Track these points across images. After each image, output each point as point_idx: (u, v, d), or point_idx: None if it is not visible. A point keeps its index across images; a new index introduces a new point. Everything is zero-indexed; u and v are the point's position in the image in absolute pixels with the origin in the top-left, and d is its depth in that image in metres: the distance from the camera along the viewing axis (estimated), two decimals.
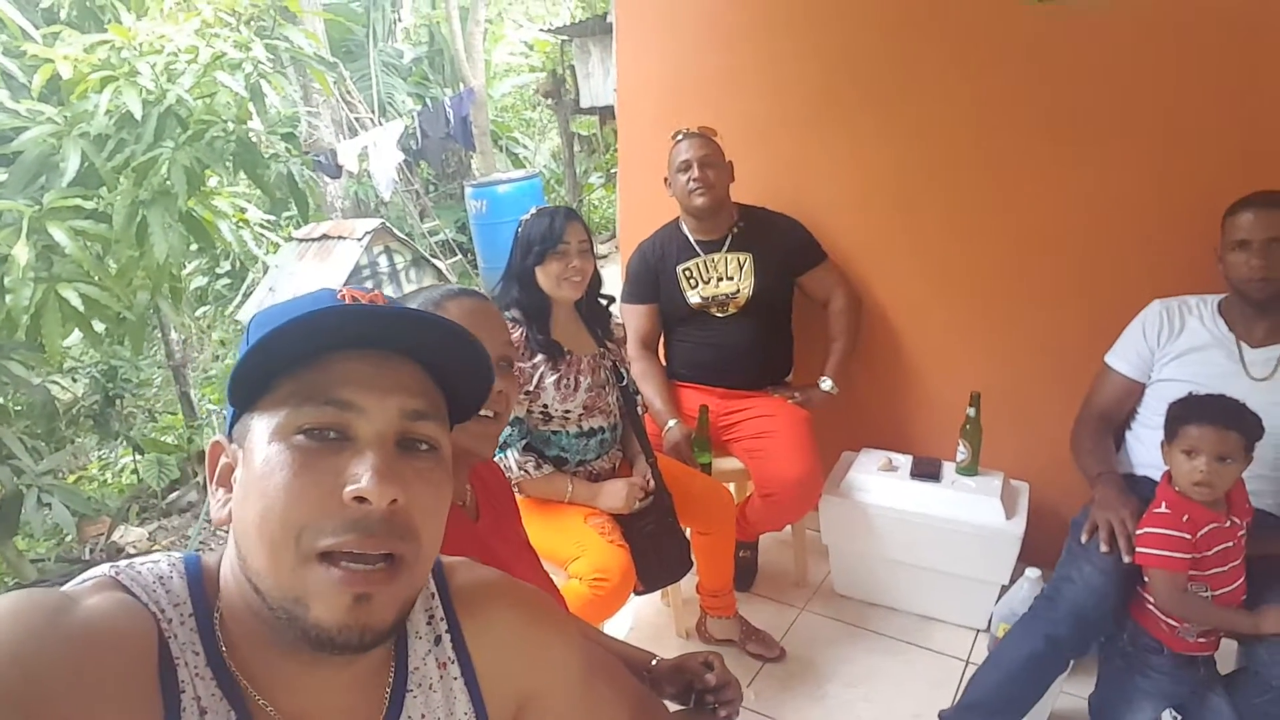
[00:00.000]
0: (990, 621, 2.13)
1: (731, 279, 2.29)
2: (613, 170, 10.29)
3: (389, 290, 5.03)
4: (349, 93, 7.66)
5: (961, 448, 2.23)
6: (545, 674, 0.77)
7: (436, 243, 7.51)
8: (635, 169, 2.72)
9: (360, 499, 0.58)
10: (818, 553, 2.45)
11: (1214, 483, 1.47)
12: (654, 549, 1.87)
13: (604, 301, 1.98)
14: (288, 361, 0.62)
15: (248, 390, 0.63)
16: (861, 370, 2.47)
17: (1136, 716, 1.55)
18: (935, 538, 2.16)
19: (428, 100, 8.53)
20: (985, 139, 2.19)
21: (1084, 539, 1.65)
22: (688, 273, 2.31)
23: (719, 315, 2.31)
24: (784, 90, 2.41)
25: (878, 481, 2.25)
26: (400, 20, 9.63)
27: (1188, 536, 1.49)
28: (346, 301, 0.63)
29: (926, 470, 2.26)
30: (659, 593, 2.17)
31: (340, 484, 0.59)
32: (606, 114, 7.66)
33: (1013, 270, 2.25)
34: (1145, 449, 1.84)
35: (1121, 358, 1.91)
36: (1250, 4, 1.86)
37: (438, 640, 0.73)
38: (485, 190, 6.88)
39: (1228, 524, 1.51)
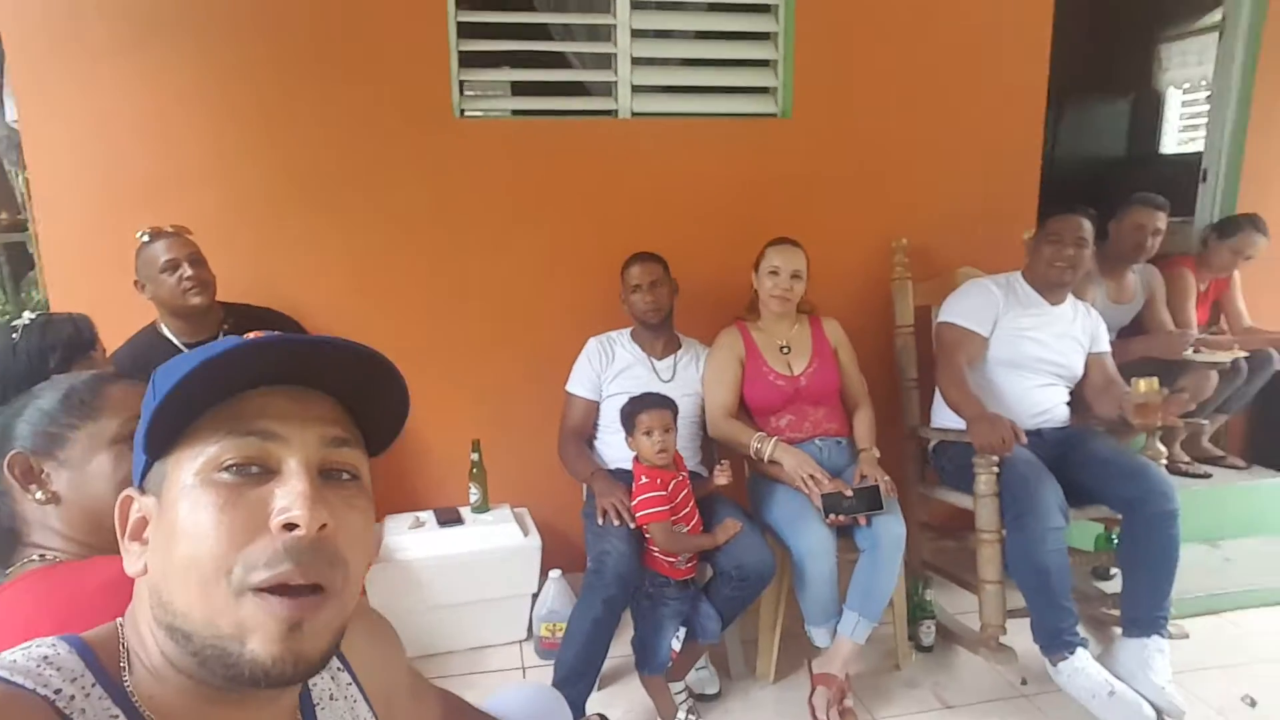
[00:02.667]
0: (531, 627, 2.49)
1: None
2: None
3: None
4: None
5: (472, 490, 2.56)
6: (393, 673, 0.85)
7: None
8: (70, 275, 2.39)
9: (290, 525, 0.59)
10: None
11: (667, 448, 2.07)
12: None
13: None
14: (203, 404, 0.61)
15: (162, 437, 0.61)
16: None
17: (666, 638, 2.07)
18: (473, 570, 2.43)
19: None
20: (433, 229, 2.61)
21: (600, 522, 2.13)
22: None
23: None
24: (239, 185, 2.46)
25: (412, 539, 2.44)
26: None
27: (665, 494, 2.07)
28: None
29: (449, 517, 2.53)
30: None
31: (266, 515, 0.60)
32: None
33: (480, 334, 2.69)
34: (611, 449, 2.42)
35: (578, 385, 2.48)
36: (606, 136, 2.65)
37: None
38: None
39: (681, 476, 2.13)
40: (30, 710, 0.54)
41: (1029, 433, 2.28)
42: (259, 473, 0.61)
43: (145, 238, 2.14)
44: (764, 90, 2.82)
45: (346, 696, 0.77)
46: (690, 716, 2.10)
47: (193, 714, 0.62)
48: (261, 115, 2.45)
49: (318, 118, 2.48)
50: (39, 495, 0.98)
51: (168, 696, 0.61)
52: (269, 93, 2.44)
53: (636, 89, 2.71)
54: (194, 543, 0.59)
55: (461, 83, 2.59)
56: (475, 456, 2.53)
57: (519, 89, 2.71)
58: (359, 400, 0.68)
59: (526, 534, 2.52)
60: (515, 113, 2.74)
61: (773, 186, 2.80)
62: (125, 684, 0.60)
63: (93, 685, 0.59)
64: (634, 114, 2.71)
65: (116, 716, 0.58)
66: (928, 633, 2.47)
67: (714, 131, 2.76)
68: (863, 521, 2.17)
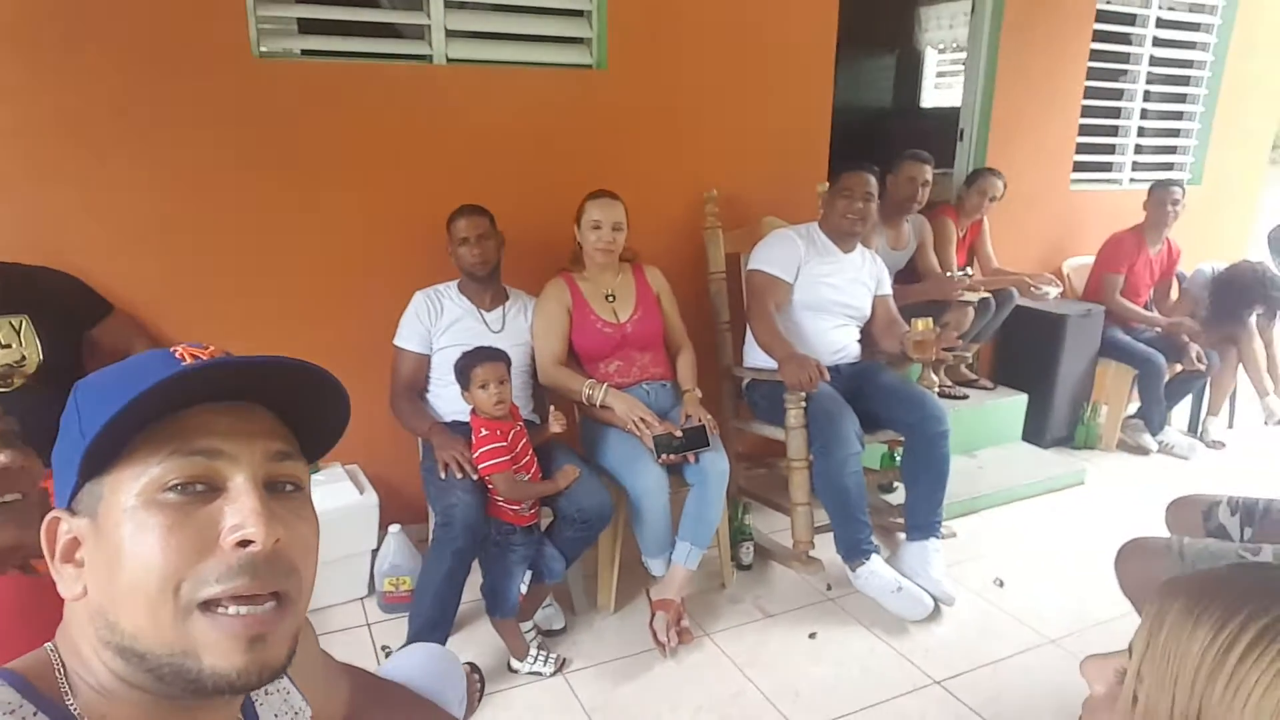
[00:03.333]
0: (373, 582, 2.47)
1: (9, 347, 1.98)
2: None
3: None
4: None
5: None
6: (307, 656, 0.85)
7: None
8: None
9: (245, 543, 0.59)
10: None
11: (504, 399, 2.11)
12: None
13: None
14: (138, 426, 0.59)
15: (97, 459, 0.58)
16: None
17: (514, 583, 2.15)
18: None
19: None
20: (239, 182, 2.42)
21: (443, 476, 2.14)
22: None
23: (5, 390, 1.97)
24: (15, 137, 2.14)
25: None
26: None
27: (505, 444, 2.11)
28: (185, 359, 0.62)
29: None
30: None
31: (216, 534, 0.59)
32: None
33: (297, 291, 2.56)
34: (444, 402, 2.42)
35: (407, 339, 2.44)
36: (420, 83, 2.56)
37: None
38: None
39: (518, 427, 2.19)
40: None
41: (829, 369, 2.55)
42: (204, 491, 0.61)
43: None
44: (579, 41, 2.84)
45: (280, 689, 0.79)
46: (541, 652, 2.20)
47: None
48: (32, 46, 2.13)
49: (95, 50, 2.19)
50: None
51: (121, 712, 0.61)
52: (44, 20, 2.12)
53: (451, 34, 2.63)
54: (140, 565, 0.58)
55: (259, 18, 2.39)
56: None
57: (325, 28, 2.53)
58: (296, 410, 0.68)
59: (362, 491, 2.47)
60: (319, 53, 2.57)
61: (591, 137, 2.85)
62: (70, 706, 0.59)
63: (34, 714, 0.57)
64: (449, 60, 2.64)
65: None
66: (747, 553, 2.73)
67: (532, 81, 2.75)
68: (692, 459, 2.34)
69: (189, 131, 2.33)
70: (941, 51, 5.95)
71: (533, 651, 2.19)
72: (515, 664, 2.18)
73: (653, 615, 2.32)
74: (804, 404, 2.50)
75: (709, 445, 2.35)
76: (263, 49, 2.41)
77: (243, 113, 2.38)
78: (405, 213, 2.63)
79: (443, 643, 2.04)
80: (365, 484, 2.52)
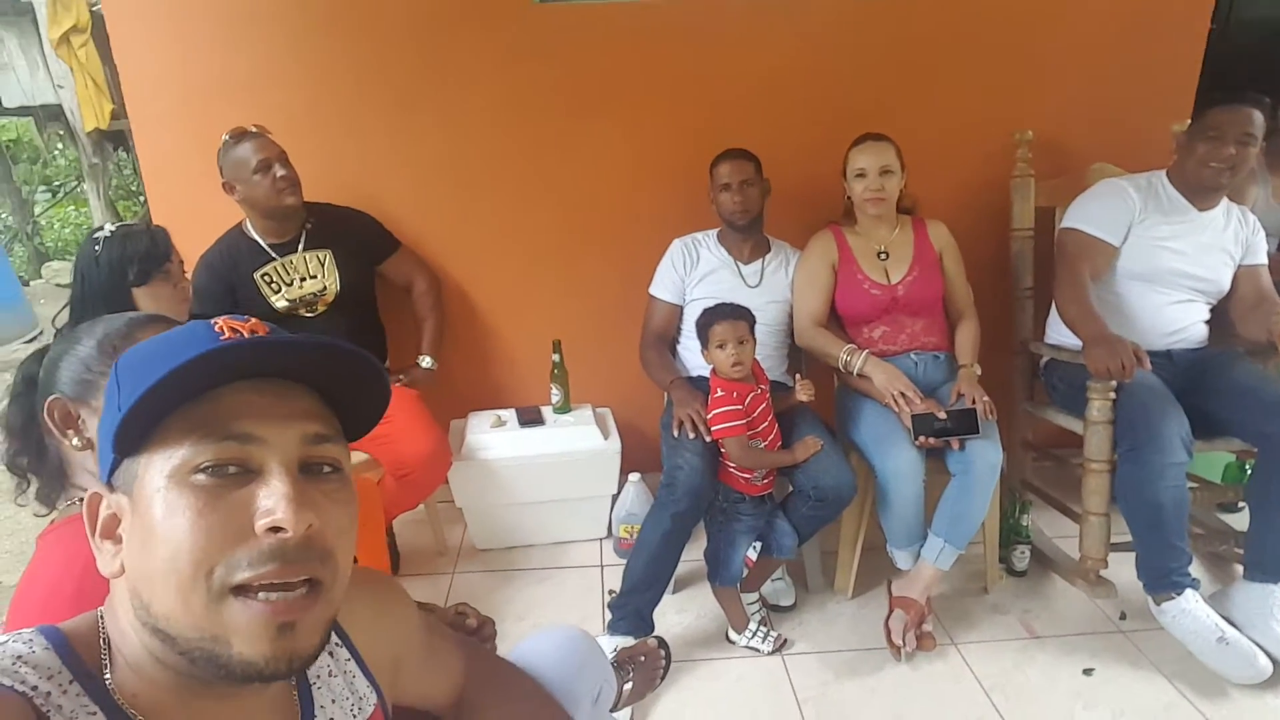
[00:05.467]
0: (610, 526, 2.52)
1: (315, 277, 2.26)
2: (57, 184, 8.62)
3: None
4: None
5: (554, 390, 2.55)
6: (402, 636, 0.85)
7: None
8: (166, 179, 2.46)
9: (276, 529, 0.58)
10: (448, 520, 2.60)
11: (743, 360, 1.97)
12: None
13: None
14: (176, 402, 0.59)
15: (133, 435, 0.58)
16: (453, 342, 2.64)
17: (738, 552, 2.04)
18: (552, 471, 2.46)
19: None
20: (514, 124, 2.50)
21: (675, 434, 2.08)
22: (267, 278, 2.22)
23: (309, 315, 2.27)
24: (317, 85, 2.42)
25: (494, 438, 2.47)
26: None
27: (741, 408, 1.98)
28: (225, 332, 0.61)
29: (531, 417, 2.54)
30: None
31: (250, 518, 0.58)
32: (45, 115, 6.36)
33: (562, 233, 2.62)
34: (693, 355, 2.33)
35: (661, 288, 2.39)
36: (693, 19, 2.43)
37: None
38: None
39: (759, 390, 2.04)
40: (7, 707, 0.54)
41: (1158, 355, 2.06)
42: (238, 473, 0.60)
43: (229, 139, 2.14)
44: None
45: (345, 672, 0.76)
46: (762, 628, 2.09)
47: (180, 710, 0.61)
48: (336, 12, 2.36)
49: (393, 11, 2.37)
50: (75, 441, 0.99)
51: (153, 694, 0.60)
52: None
53: None
54: (171, 547, 0.57)
55: None
56: (556, 358, 2.51)
57: None
58: (338, 388, 0.66)
59: (607, 437, 2.50)
60: None
61: (876, 74, 2.53)
62: (106, 680, 0.60)
63: (70, 682, 0.58)
64: None
65: (95, 714, 0.57)
66: (1021, 557, 2.35)
67: (812, 9, 2.48)
68: (955, 445, 2.04)
69: (472, 79, 2.45)
70: None
71: (752, 625, 2.08)
72: (733, 635, 2.09)
73: (890, 611, 2.09)
74: (1113, 395, 2.04)
75: (979, 432, 2.02)
76: None
77: (520, 58, 2.44)
78: (671, 156, 2.55)
79: (654, 604, 2.02)
80: (611, 429, 2.55)
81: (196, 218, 2.30)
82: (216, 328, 0.62)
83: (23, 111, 6.44)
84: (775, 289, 2.33)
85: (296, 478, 0.61)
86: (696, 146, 2.41)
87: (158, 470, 0.59)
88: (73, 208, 8.31)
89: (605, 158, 2.55)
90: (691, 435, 2.03)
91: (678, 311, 2.38)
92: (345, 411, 0.68)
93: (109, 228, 1.65)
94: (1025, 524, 2.36)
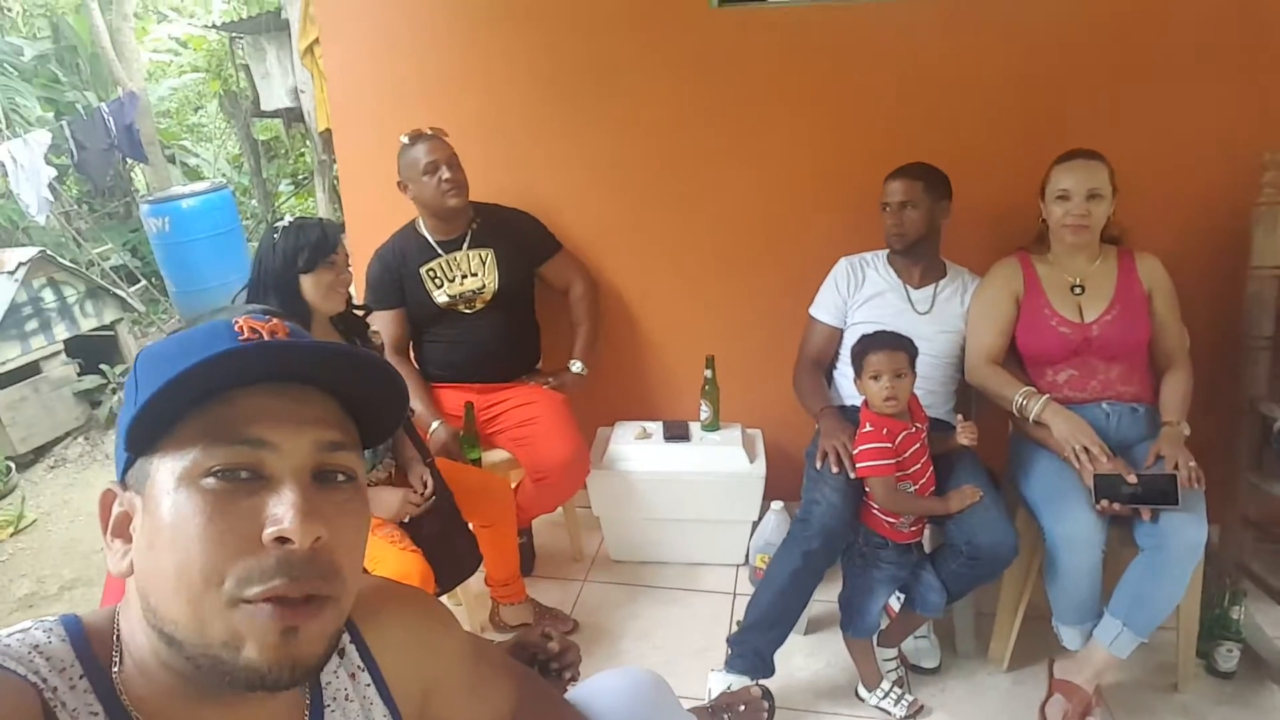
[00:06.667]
0: (748, 555, 2.41)
1: (475, 275, 2.33)
2: (301, 177, 9.64)
3: (62, 330, 4.33)
4: None
5: (704, 407, 2.47)
6: (440, 663, 0.81)
7: (110, 268, 6.48)
8: (358, 175, 2.65)
9: (283, 539, 0.57)
10: (587, 527, 2.60)
11: (898, 395, 1.80)
12: (445, 549, 1.88)
13: (359, 312, 1.94)
14: (190, 401, 0.58)
15: (146, 433, 0.59)
16: (605, 349, 2.64)
17: (876, 602, 1.87)
18: (693, 491, 2.39)
19: (80, 108, 7.32)
20: (684, 132, 2.45)
21: (818, 466, 1.94)
22: (431, 273, 2.32)
23: (467, 312, 2.34)
24: (497, 89, 2.49)
25: (636, 450, 2.43)
26: (8, 9, 8.08)
27: (890, 446, 1.81)
28: (244, 332, 0.61)
29: (677, 432, 2.49)
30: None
31: (259, 526, 0.57)
32: (290, 116, 7.14)
33: (725, 245, 2.54)
34: (848, 383, 2.17)
35: (822, 309, 2.25)
36: (881, 21, 2.27)
37: (343, 651, 0.73)
38: (166, 206, 5.97)
39: (914, 429, 1.86)
40: (18, 695, 0.54)
41: None
42: (249, 478, 0.58)
43: (406, 140, 2.25)
44: None
45: (364, 698, 0.73)
46: (897, 689, 1.90)
47: (184, 715, 0.60)
48: (516, 19, 2.42)
49: (572, 18, 2.40)
50: None
51: (158, 698, 0.60)
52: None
53: None
54: (181, 553, 0.56)
55: None
56: (709, 373, 2.43)
57: None
58: (358, 395, 0.64)
59: (753, 460, 2.40)
60: None
61: (1089, 74, 2.23)
62: (114, 678, 0.60)
63: (79, 677, 0.58)
64: None
65: (97, 714, 0.57)
66: (1228, 656, 1.99)
67: (1012, 6, 2.24)
68: (1146, 515, 1.75)
69: (646, 84, 2.42)
70: None
71: (886, 684, 1.90)
72: (863, 692, 1.92)
73: (1049, 694, 1.84)
74: None
75: (1177, 503, 1.72)
76: None
77: (696, 64, 2.39)
78: (850, 169, 2.38)
79: (776, 645, 1.88)
80: (759, 452, 2.44)
81: (383, 214, 2.44)
82: (236, 327, 0.61)
83: (275, 115, 7.27)
84: (947, 318, 2.13)
85: (308, 486, 0.60)
86: (878, 159, 2.22)
87: (169, 471, 0.58)
88: (310, 200, 9.28)
89: (778, 170, 2.44)
90: (835, 470, 1.89)
91: (837, 335, 2.24)
92: (364, 418, 0.66)
93: (289, 219, 1.78)
94: (1237, 617, 1.99)
